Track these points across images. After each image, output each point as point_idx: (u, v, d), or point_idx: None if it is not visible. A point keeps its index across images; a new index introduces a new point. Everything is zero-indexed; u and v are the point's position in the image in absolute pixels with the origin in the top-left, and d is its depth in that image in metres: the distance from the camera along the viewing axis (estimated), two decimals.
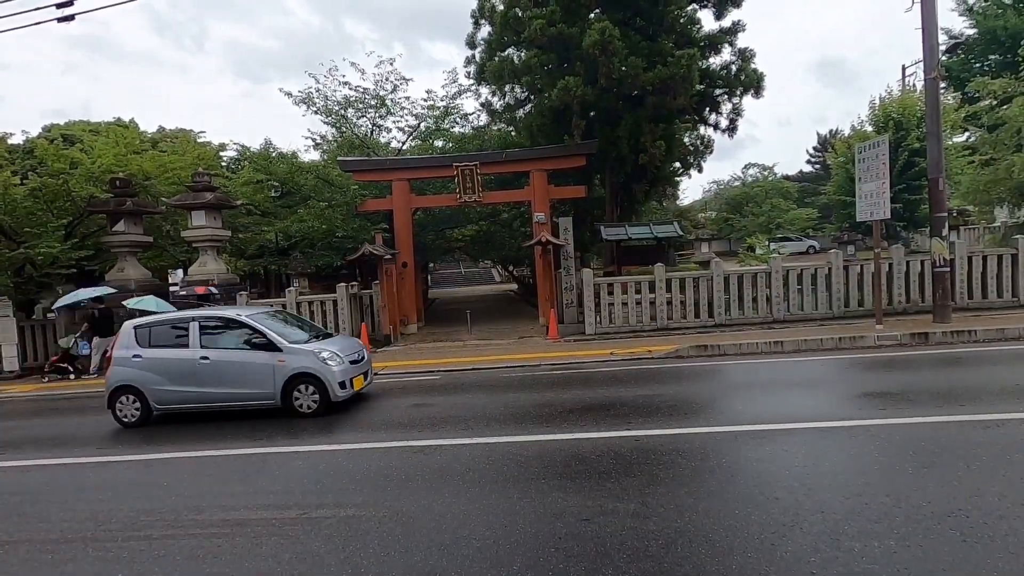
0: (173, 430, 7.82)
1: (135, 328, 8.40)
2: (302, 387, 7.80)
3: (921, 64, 11.35)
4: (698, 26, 19.32)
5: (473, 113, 23.41)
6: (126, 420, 8.10)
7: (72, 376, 13.39)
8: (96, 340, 13.44)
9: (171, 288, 16.33)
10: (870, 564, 3.25)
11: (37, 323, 15.16)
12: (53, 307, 14.26)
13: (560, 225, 14.62)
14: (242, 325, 8.18)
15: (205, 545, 4.14)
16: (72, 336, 13.74)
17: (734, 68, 19.21)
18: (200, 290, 13.82)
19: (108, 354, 8.58)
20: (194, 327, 8.12)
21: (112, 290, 14.08)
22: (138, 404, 8.09)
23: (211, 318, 8.35)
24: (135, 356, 8.19)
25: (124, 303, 12.91)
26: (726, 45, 19.25)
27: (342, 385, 7.86)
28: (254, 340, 8.02)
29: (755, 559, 3.39)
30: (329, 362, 7.87)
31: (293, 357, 7.84)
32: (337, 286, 14.71)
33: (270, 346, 7.93)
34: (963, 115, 20.65)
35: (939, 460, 4.67)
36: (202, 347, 8.04)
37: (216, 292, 14.08)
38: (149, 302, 12.50)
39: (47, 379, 13.28)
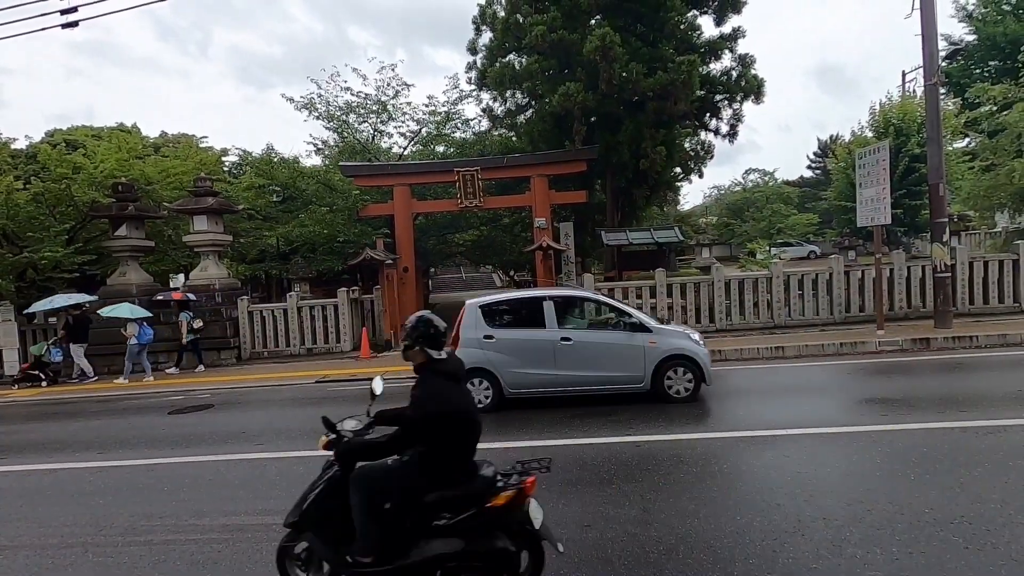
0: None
1: (481, 308, 7.71)
2: (673, 371, 7.27)
3: (921, 70, 11.39)
4: (698, 32, 19.38)
5: (474, 118, 23.45)
6: (478, 406, 7.63)
7: (44, 383, 12.95)
8: (73, 347, 13.10)
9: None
10: (873, 571, 3.24)
11: (38, 327, 15.19)
12: (25, 312, 14.20)
13: (561, 230, 14.67)
14: (603, 305, 7.81)
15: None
16: (44, 343, 13.60)
17: (734, 74, 19.25)
18: (177, 296, 13.79)
19: (455, 332, 7.82)
20: (548, 306, 7.48)
21: (91, 297, 13.98)
22: (489, 388, 7.47)
23: (565, 297, 7.87)
24: (487, 337, 7.49)
25: (99, 311, 12.81)
26: (726, 51, 19.31)
27: None
28: (622, 320, 7.52)
29: (757, 566, 3.38)
30: (700, 343, 7.39)
31: (664, 338, 7.30)
32: (338, 291, 14.75)
33: (639, 327, 7.37)
34: (963, 121, 20.72)
35: (941, 466, 4.66)
36: (560, 327, 7.46)
37: (194, 298, 13.88)
38: (123, 309, 12.55)
39: (17, 387, 12.93)
